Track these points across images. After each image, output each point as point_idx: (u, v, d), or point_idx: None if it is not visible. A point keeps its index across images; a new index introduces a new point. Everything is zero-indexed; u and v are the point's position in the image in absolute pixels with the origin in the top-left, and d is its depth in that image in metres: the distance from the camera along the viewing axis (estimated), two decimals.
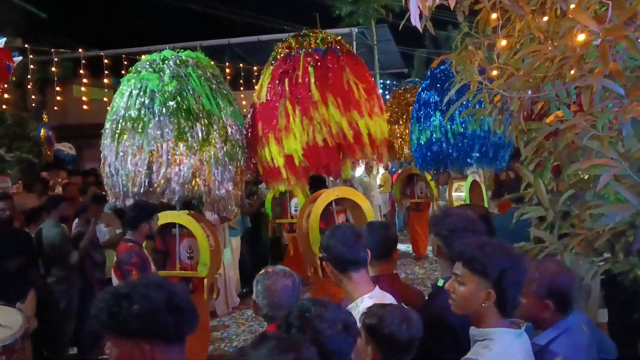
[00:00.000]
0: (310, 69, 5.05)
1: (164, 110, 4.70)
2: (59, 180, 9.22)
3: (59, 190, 8.34)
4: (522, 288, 1.98)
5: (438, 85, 7.03)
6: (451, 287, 2.00)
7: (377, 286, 2.50)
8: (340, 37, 5.59)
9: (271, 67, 5.31)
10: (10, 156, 10.27)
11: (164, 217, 4.87)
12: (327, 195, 5.20)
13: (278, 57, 5.35)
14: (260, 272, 2.52)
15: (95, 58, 11.98)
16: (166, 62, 4.98)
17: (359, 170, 10.49)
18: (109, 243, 5.99)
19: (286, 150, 5.00)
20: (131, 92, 4.91)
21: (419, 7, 1.87)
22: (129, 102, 4.86)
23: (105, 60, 11.63)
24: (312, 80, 4.99)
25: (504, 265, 1.90)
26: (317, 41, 5.24)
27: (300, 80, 5.04)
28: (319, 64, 5.10)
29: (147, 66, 5.02)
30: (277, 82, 5.15)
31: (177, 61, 4.98)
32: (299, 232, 5.30)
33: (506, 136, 2.75)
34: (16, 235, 5.20)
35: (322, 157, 5.01)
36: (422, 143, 7.09)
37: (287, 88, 5.06)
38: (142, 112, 4.77)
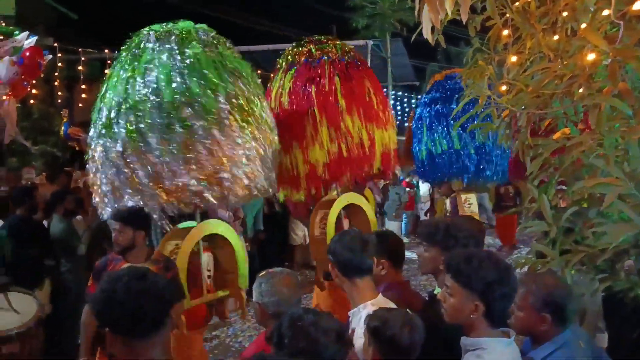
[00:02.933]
0: (336, 78, 4.98)
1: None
2: (81, 174, 9.27)
3: (80, 183, 8.37)
4: (511, 301, 1.97)
5: (453, 96, 6.95)
6: (442, 297, 2.01)
7: (380, 294, 2.48)
8: (353, 47, 5.53)
9: (290, 73, 5.13)
10: (35, 149, 10.37)
11: (200, 230, 3.91)
12: (339, 202, 5.12)
13: (295, 62, 5.19)
14: (260, 274, 2.48)
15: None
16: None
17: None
18: None
19: (310, 160, 4.86)
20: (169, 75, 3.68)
21: (431, 21, 1.83)
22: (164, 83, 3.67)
23: None
24: (339, 88, 4.92)
25: (490, 278, 1.87)
26: (338, 49, 5.16)
27: (327, 88, 4.94)
28: (343, 73, 5.03)
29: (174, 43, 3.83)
30: (303, 88, 5.00)
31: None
32: (311, 237, 5.23)
33: (512, 151, 2.70)
34: (34, 226, 5.25)
35: (344, 168, 4.92)
36: (434, 153, 7.00)
37: (314, 96, 4.93)
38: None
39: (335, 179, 4.91)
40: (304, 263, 9.32)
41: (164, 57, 3.70)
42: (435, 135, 6.98)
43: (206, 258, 4.14)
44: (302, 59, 5.10)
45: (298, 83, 4.96)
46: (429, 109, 7.25)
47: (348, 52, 5.18)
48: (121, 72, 3.79)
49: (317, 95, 4.83)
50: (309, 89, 4.89)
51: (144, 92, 3.59)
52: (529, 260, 2.58)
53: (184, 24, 4.01)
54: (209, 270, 4.19)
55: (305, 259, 9.17)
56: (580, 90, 2.06)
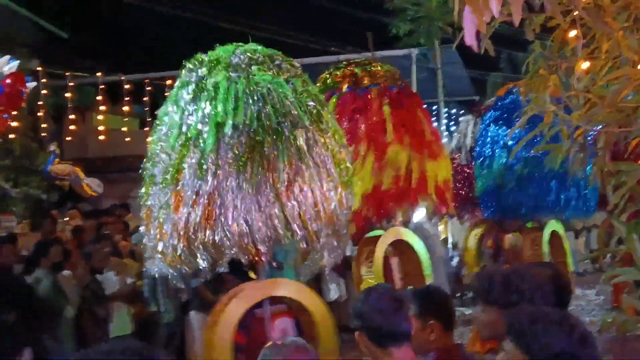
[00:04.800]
0: (386, 108, 5.22)
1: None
2: (68, 220, 9.50)
3: (67, 232, 8.58)
4: None
5: (505, 116, 6.99)
6: None
7: None
8: (398, 72, 5.76)
9: (332, 102, 5.39)
10: (16, 192, 10.71)
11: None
12: (385, 238, 5.25)
13: (336, 87, 5.46)
14: (267, 346, 2.46)
15: (115, 83, 12.48)
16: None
17: (418, 216, 10.35)
18: (119, 295, 6.08)
19: None
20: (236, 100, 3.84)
21: (475, 24, 1.85)
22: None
23: (126, 86, 12.10)
24: (389, 120, 5.16)
25: (557, 349, 1.79)
26: (385, 74, 5.40)
27: (375, 119, 5.20)
28: (393, 101, 5.28)
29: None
30: (348, 120, 5.29)
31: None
32: (356, 280, 5.35)
33: (589, 179, 2.66)
34: (14, 285, 5.38)
35: (386, 202, 5.09)
36: (488, 187, 7.02)
37: (362, 129, 5.18)
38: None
39: (376, 213, 5.07)
40: (341, 324, 9.20)
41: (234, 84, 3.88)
42: (499, 162, 6.97)
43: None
44: (345, 86, 5.37)
45: (343, 112, 5.22)
46: (489, 130, 7.27)
47: (397, 78, 5.47)
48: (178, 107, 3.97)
49: (366, 129, 5.10)
50: (355, 121, 5.17)
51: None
52: (617, 317, 2.50)
53: (251, 47, 4.20)
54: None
55: (345, 319, 9.06)
56: None
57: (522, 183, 6.73)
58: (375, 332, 2.35)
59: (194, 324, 5.62)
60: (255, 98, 3.78)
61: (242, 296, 3.85)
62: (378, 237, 5.22)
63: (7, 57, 8.20)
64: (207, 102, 3.80)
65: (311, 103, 3.98)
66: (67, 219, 9.52)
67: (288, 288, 4.01)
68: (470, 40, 1.85)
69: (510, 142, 6.72)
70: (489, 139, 7.20)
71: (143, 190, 4.02)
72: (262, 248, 3.66)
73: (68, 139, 12.30)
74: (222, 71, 3.94)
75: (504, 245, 7.05)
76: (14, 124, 9.27)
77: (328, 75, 5.64)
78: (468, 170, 8.83)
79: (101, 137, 12.32)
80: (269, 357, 2.43)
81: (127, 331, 6.09)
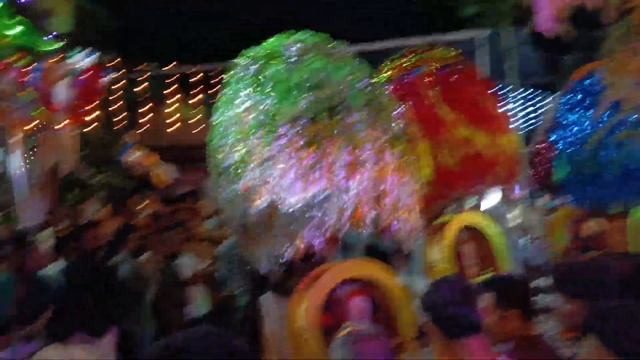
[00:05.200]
0: (438, 89, 5.20)
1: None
2: (146, 207, 9.84)
3: (145, 218, 8.89)
4: None
5: (584, 100, 6.75)
6: None
7: (503, 355, 2.42)
8: (454, 53, 5.66)
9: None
10: (96, 180, 11.22)
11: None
12: (455, 223, 5.19)
13: (393, 79, 5.46)
14: (341, 333, 2.47)
15: (185, 75, 12.81)
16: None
17: (493, 200, 9.98)
18: (195, 278, 6.29)
19: None
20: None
21: (552, 7, 1.82)
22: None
23: (199, 76, 12.42)
24: (439, 98, 5.13)
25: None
26: (436, 57, 5.36)
27: (426, 101, 5.17)
28: (444, 81, 5.24)
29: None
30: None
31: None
32: (425, 267, 5.30)
33: None
34: (97, 268, 5.66)
35: (454, 183, 5.04)
36: (568, 173, 6.79)
37: (415, 114, 5.16)
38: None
39: (444, 196, 5.08)
40: None
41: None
42: (579, 147, 6.77)
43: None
44: (398, 75, 5.38)
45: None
46: (568, 113, 7.07)
47: (452, 60, 5.39)
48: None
49: (416, 111, 5.02)
50: (407, 107, 5.14)
51: None
52: None
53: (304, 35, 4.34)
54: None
55: None
56: None
57: (605, 169, 6.49)
58: (446, 324, 2.33)
59: (268, 308, 5.72)
60: (312, 85, 3.89)
61: (325, 278, 3.92)
62: (446, 224, 5.16)
63: (85, 52, 8.62)
64: (265, 95, 3.95)
65: (364, 85, 4.06)
66: (145, 205, 9.86)
67: (367, 268, 4.07)
68: (544, 23, 1.81)
69: (590, 127, 6.50)
70: (567, 123, 6.97)
71: (211, 181, 4.26)
72: (334, 232, 3.74)
73: (142, 129, 12.75)
74: (277, 62, 4.08)
75: (583, 233, 6.81)
76: (93, 115, 9.74)
77: (385, 68, 5.65)
78: (545, 154, 8.58)
79: (174, 127, 12.71)
80: (345, 347, 2.42)
81: (203, 313, 6.32)
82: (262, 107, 3.92)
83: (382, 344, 2.44)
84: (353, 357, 2.33)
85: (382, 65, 5.69)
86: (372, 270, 4.04)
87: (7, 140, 9.51)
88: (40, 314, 5.09)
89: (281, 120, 3.81)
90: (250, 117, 3.94)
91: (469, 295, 2.37)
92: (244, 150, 3.89)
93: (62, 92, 8.06)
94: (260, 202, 3.76)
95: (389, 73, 5.55)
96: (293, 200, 3.68)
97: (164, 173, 11.16)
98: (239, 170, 3.89)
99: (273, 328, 4.43)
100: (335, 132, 3.80)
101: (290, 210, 3.70)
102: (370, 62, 4.47)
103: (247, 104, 4.01)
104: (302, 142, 3.77)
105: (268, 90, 3.96)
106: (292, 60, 4.08)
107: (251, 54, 4.35)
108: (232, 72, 4.42)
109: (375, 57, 5.79)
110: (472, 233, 5.30)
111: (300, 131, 3.78)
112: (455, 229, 5.11)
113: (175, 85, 12.66)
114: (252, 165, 3.81)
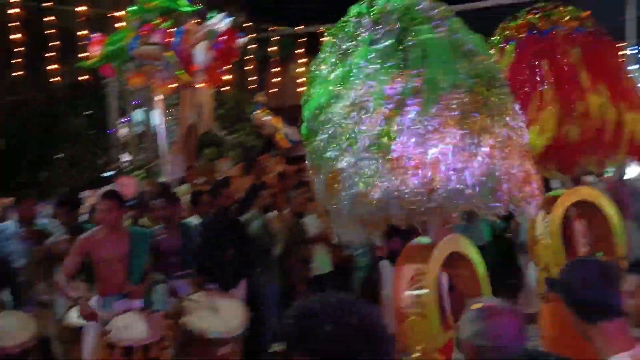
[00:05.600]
0: (575, 51, 4.91)
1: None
2: (274, 165, 10.26)
3: (274, 177, 9.26)
4: None
5: None
6: None
7: None
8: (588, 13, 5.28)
9: (509, 48, 5.13)
10: (230, 138, 11.82)
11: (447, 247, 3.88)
12: (567, 197, 4.94)
13: (514, 37, 5.19)
14: (473, 307, 2.34)
15: (313, 34, 13.00)
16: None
17: (634, 170, 9.09)
18: (319, 237, 6.48)
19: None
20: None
21: None
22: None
23: (324, 38, 12.54)
24: (580, 64, 4.87)
25: None
26: (570, 18, 5.03)
27: (564, 62, 4.92)
28: (584, 44, 4.95)
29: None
30: (530, 63, 5.00)
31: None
32: (531, 239, 5.14)
33: None
34: (230, 224, 6.10)
35: (574, 155, 4.83)
36: None
37: (548, 72, 4.91)
38: None
39: (559, 166, 4.87)
40: None
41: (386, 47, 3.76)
42: None
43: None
44: (523, 33, 5.08)
45: (522, 58, 4.96)
46: None
47: (586, 20, 5.03)
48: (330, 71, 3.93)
49: (552, 71, 4.80)
50: (538, 64, 4.87)
51: None
52: None
53: None
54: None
55: None
56: None
57: None
58: (584, 307, 2.25)
59: (385, 273, 5.85)
60: (463, 55, 3.72)
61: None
62: (556, 198, 4.87)
63: (222, 14, 9.00)
64: (418, 62, 3.62)
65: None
66: (273, 164, 10.27)
67: (461, 242, 4.00)
68: None
69: None
70: None
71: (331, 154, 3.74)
72: (477, 203, 3.55)
73: (271, 90, 13.14)
74: (425, 28, 3.76)
75: None
76: (228, 76, 10.21)
77: (504, 28, 5.33)
78: None
79: (300, 88, 13.02)
80: (483, 320, 2.29)
81: (325, 271, 6.58)
82: (414, 73, 3.57)
83: (517, 320, 2.33)
84: (486, 331, 2.24)
85: (499, 28, 5.38)
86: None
87: (149, 99, 10.25)
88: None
89: (442, 90, 3.51)
90: (399, 85, 3.57)
91: (609, 278, 2.28)
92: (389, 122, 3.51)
93: (201, 53, 8.46)
94: (414, 178, 3.39)
95: (506, 32, 5.27)
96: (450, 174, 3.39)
97: (285, 135, 11.49)
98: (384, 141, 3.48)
99: (390, 293, 4.52)
100: (488, 103, 3.58)
101: (449, 187, 3.38)
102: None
103: (393, 70, 3.63)
104: (457, 114, 3.47)
105: (420, 56, 3.62)
106: (437, 25, 3.75)
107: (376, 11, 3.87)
108: (360, 31, 3.90)
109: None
110: (586, 211, 5.00)
111: (458, 102, 3.50)
112: (566, 202, 4.83)
113: (301, 47, 12.81)
114: (403, 137, 3.44)
